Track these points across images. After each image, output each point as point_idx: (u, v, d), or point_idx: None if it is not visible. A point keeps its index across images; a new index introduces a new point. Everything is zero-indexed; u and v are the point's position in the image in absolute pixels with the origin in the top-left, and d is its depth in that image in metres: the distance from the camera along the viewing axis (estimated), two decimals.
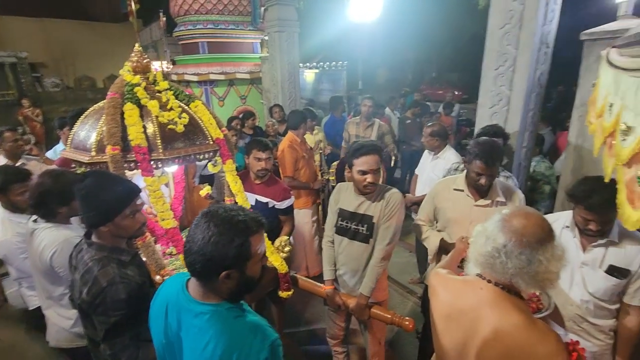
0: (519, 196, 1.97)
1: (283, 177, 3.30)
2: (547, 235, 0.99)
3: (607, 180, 1.08)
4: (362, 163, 1.86)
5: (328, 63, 7.48)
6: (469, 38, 11.78)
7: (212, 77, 5.76)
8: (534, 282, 0.99)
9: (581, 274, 1.60)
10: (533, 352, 0.96)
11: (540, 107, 2.51)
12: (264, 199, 2.44)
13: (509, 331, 0.99)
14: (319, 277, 2.42)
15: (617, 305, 1.59)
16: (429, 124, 3.17)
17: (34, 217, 1.78)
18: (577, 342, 1.28)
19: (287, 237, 2.17)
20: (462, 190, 2.01)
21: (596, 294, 1.57)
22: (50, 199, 1.70)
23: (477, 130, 2.52)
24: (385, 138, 4.13)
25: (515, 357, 0.98)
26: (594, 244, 1.58)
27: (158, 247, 2.04)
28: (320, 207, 3.67)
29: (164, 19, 10.17)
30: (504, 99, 2.40)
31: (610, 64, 1.12)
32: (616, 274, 1.52)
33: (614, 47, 1.18)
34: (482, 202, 1.96)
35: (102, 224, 1.34)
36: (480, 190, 1.96)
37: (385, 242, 1.93)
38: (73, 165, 1.84)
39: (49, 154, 3.51)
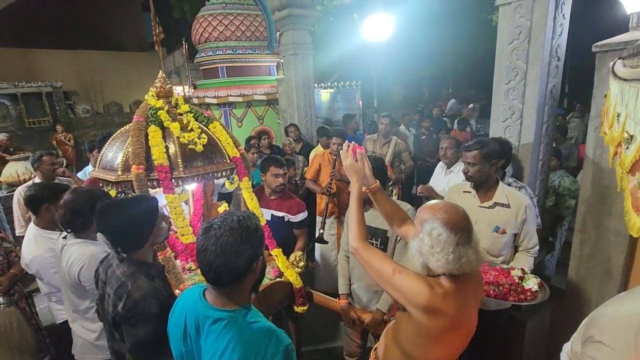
0: (525, 202, 1.99)
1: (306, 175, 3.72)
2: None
3: (618, 189, 1.08)
4: None
5: (342, 82, 7.63)
6: (484, 54, 11.78)
7: (231, 99, 6.00)
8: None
9: None
10: None
11: (554, 119, 2.49)
12: (279, 214, 2.50)
13: None
14: None
15: None
16: (445, 137, 3.19)
17: (64, 234, 1.89)
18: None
19: (301, 252, 2.20)
20: (470, 192, 2.12)
21: None
22: (83, 212, 1.80)
23: None
24: (402, 155, 4.13)
25: None
26: None
27: (177, 262, 2.11)
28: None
29: (186, 46, 10.73)
30: (516, 113, 2.40)
31: (615, 75, 1.13)
32: None
33: (619, 58, 1.20)
34: (485, 203, 2.04)
35: (148, 239, 1.45)
36: (478, 188, 2.07)
37: (404, 258, 1.93)
38: (101, 185, 1.97)
39: (80, 175, 3.73)
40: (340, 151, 1.57)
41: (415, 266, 1.25)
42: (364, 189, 1.54)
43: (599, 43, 2.14)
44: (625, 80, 0.95)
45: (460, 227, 1.17)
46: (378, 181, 1.59)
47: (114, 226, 1.37)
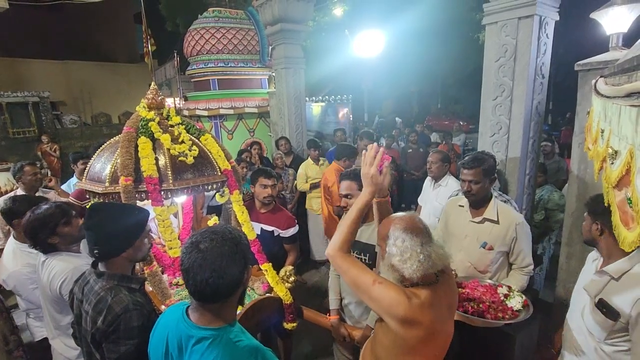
0: (516, 220, 1.98)
1: (334, 206, 3.44)
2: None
3: (606, 204, 1.10)
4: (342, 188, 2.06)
5: (334, 96, 7.73)
6: (471, 70, 12.13)
7: (222, 111, 5.99)
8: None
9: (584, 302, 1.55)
10: None
11: (540, 135, 2.56)
12: (269, 228, 2.47)
13: None
14: None
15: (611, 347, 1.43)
16: (432, 151, 3.22)
17: None
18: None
19: (291, 267, 2.17)
20: (463, 206, 2.14)
21: (587, 324, 1.50)
22: (38, 233, 1.75)
23: None
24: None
25: None
26: (599, 270, 1.50)
27: (165, 277, 2.05)
28: None
29: (178, 58, 10.77)
30: (503, 128, 2.46)
31: (598, 92, 1.17)
32: (605, 311, 1.40)
33: (601, 76, 1.25)
34: (476, 218, 2.06)
35: (124, 250, 1.37)
36: (474, 204, 2.08)
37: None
38: (87, 196, 1.92)
39: (64, 187, 3.63)
40: (364, 152, 1.41)
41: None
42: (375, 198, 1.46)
43: (581, 62, 2.23)
44: (608, 97, 0.98)
45: (418, 229, 1.25)
46: (389, 192, 1.59)
47: (100, 225, 1.33)
